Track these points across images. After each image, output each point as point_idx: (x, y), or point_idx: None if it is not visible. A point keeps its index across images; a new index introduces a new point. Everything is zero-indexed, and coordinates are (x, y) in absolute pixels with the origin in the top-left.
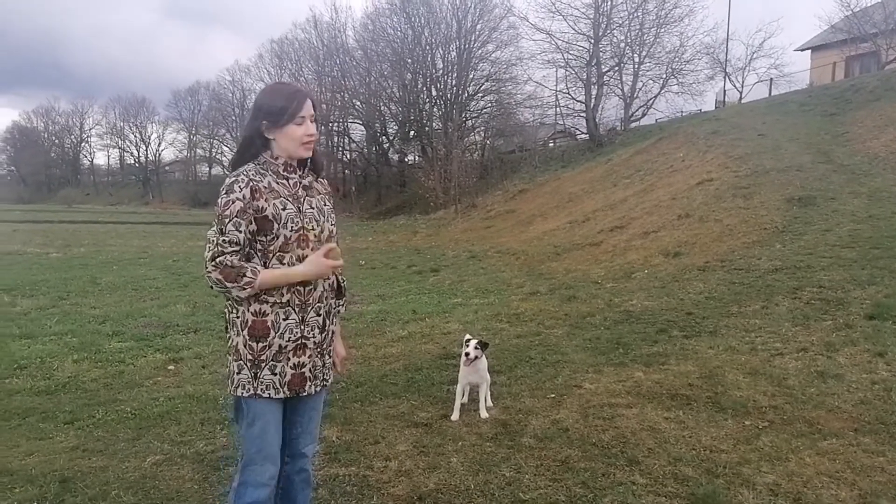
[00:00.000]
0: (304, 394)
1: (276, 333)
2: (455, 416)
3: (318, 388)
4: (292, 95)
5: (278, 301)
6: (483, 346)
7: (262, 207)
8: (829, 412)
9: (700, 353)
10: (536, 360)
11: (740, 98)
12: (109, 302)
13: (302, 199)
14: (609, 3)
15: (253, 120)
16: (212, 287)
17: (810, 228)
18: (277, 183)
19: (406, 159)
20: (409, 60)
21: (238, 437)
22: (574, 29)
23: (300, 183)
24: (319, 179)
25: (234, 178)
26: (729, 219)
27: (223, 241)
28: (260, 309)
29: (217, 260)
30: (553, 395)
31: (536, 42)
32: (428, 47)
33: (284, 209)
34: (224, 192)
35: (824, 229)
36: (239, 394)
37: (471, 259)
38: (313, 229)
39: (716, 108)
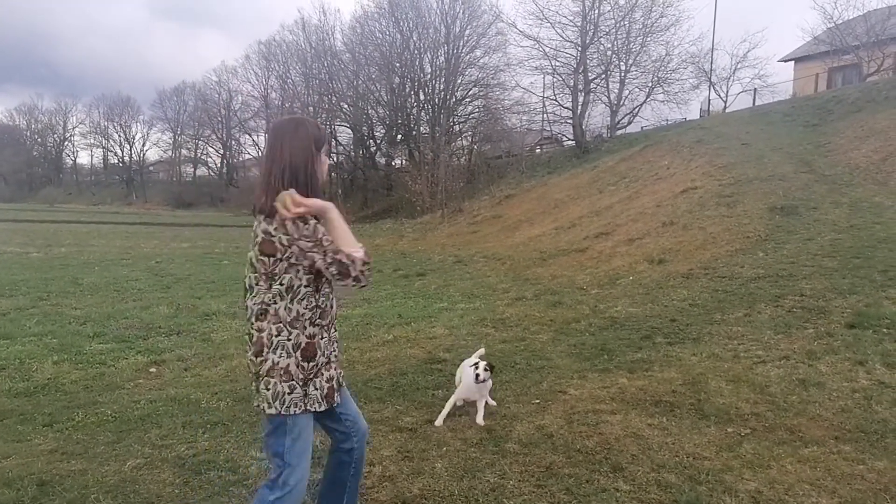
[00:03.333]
0: (335, 404)
1: (320, 352)
2: (440, 422)
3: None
4: (323, 133)
5: (322, 323)
6: (490, 368)
7: None
8: (811, 420)
9: (683, 360)
10: (521, 366)
11: (724, 107)
12: (91, 303)
13: None
14: (596, 11)
15: (307, 151)
16: (365, 287)
17: (792, 237)
18: None
19: (393, 163)
20: (398, 64)
21: (275, 454)
22: (561, 36)
23: None
24: None
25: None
26: (713, 227)
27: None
28: (313, 332)
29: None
30: (538, 401)
31: (524, 48)
32: (416, 52)
33: None
34: (305, 224)
35: (806, 238)
36: (292, 412)
37: (457, 264)
38: None
39: (700, 117)
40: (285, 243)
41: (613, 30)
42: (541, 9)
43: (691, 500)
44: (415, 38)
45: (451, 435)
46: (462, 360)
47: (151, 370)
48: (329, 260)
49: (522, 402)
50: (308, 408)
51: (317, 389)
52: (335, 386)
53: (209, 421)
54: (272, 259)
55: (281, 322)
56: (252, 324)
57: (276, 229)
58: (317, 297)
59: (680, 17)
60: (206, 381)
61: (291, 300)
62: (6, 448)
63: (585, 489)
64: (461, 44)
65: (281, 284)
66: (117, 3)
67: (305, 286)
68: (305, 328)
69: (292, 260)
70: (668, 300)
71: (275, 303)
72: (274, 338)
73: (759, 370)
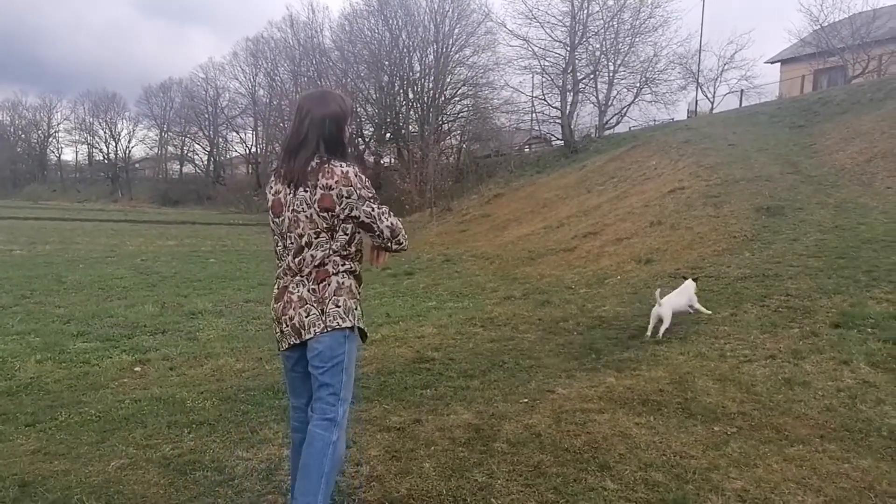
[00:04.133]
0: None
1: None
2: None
3: None
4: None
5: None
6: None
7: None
8: (796, 419)
9: (671, 359)
10: (510, 365)
11: (712, 108)
12: (75, 301)
13: None
14: (585, 11)
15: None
16: (398, 244)
17: (778, 237)
18: None
19: (382, 161)
20: (387, 63)
21: (338, 386)
22: (551, 36)
23: None
24: None
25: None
26: (700, 227)
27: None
28: (360, 267)
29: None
30: (526, 400)
31: (513, 48)
32: (405, 50)
33: None
34: (367, 180)
35: (792, 238)
36: (361, 325)
37: (445, 262)
38: None
39: (688, 117)
40: (345, 194)
41: (602, 30)
42: (530, 8)
43: (678, 499)
44: (404, 37)
45: (439, 434)
46: (450, 360)
47: (136, 369)
48: (386, 215)
49: (510, 402)
50: (361, 326)
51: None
52: None
53: (194, 420)
54: (331, 214)
55: (341, 256)
56: (314, 269)
57: (336, 182)
58: (357, 241)
59: (668, 18)
60: (192, 381)
61: (349, 243)
62: None
63: (573, 488)
64: (450, 42)
65: (345, 234)
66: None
67: (357, 232)
68: (360, 262)
69: (347, 212)
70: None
71: (339, 249)
72: (339, 266)
73: (746, 369)
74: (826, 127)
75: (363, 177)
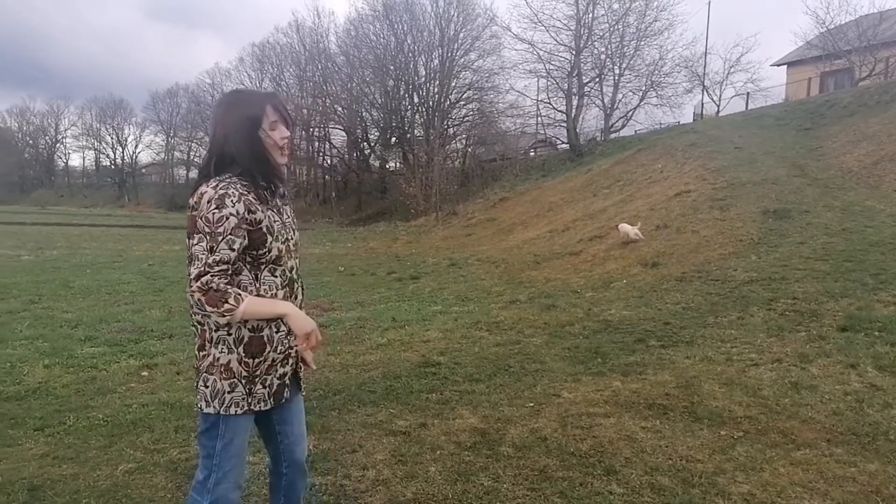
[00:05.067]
0: (283, 400)
1: (270, 348)
2: None
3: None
4: (263, 98)
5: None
6: None
7: (260, 220)
8: (803, 423)
9: (677, 363)
10: (516, 369)
11: (718, 111)
12: (82, 306)
13: (281, 210)
14: (590, 15)
15: (226, 128)
16: (191, 307)
17: (785, 241)
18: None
19: (387, 166)
20: (392, 67)
21: (206, 457)
22: (556, 40)
23: (275, 192)
24: (286, 189)
25: (223, 191)
26: (706, 230)
27: (212, 260)
28: (257, 324)
29: (202, 280)
30: (532, 404)
31: (518, 52)
32: (410, 54)
33: (275, 221)
34: (214, 206)
35: (799, 242)
36: (232, 412)
37: (451, 267)
38: (291, 238)
39: (694, 120)
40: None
41: (607, 34)
42: (535, 12)
43: (684, 503)
44: (409, 41)
45: (445, 438)
46: (456, 364)
47: (143, 374)
48: (198, 255)
49: (516, 406)
50: (251, 408)
51: (265, 388)
52: (287, 383)
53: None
54: (190, 241)
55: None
56: (193, 314)
57: (195, 202)
58: (256, 285)
59: (673, 21)
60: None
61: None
62: None
63: (579, 492)
64: (455, 47)
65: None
66: (110, 5)
67: (239, 274)
68: (246, 321)
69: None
70: (661, 303)
71: None
72: (213, 332)
73: (752, 373)
74: (833, 130)
75: (226, 200)
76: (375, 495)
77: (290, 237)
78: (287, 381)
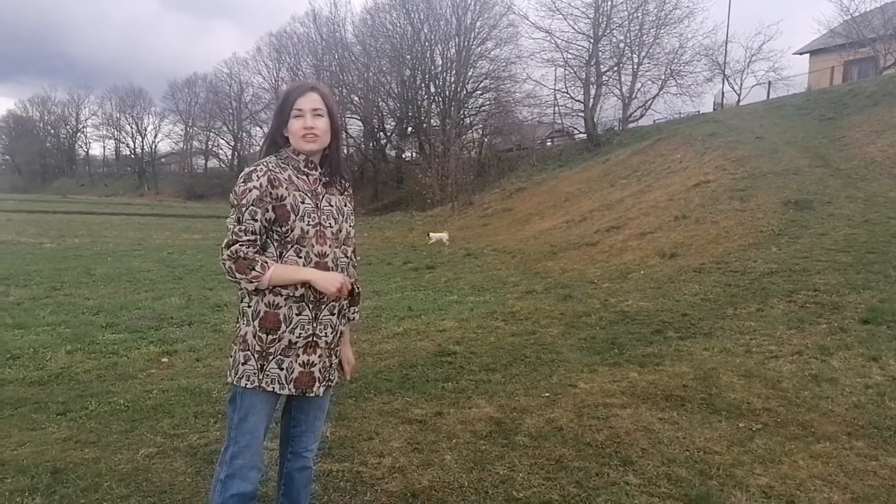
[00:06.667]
0: (312, 394)
1: (287, 328)
2: None
3: (325, 389)
4: (291, 91)
5: (292, 294)
6: None
7: (282, 196)
8: (823, 415)
9: (695, 354)
10: (532, 359)
11: (738, 100)
12: (103, 293)
13: (321, 196)
14: (609, 2)
15: (274, 118)
16: (225, 274)
17: (806, 232)
18: (297, 177)
19: (403, 156)
20: (408, 57)
21: (228, 428)
22: (574, 28)
23: (320, 180)
24: (343, 180)
25: (252, 168)
26: (725, 221)
27: (239, 229)
28: (273, 301)
29: (232, 248)
30: (548, 394)
31: (536, 41)
32: (427, 44)
33: (303, 202)
34: (242, 180)
35: (820, 233)
36: (242, 385)
37: (467, 257)
38: (330, 227)
39: (714, 110)
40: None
41: (626, 22)
42: (553, 0)
43: (702, 495)
44: (426, 30)
45: (461, 427)
46: (472, 354)
47: (163, 360)
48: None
49: (532, 396)
50: (262, 385)
51: (281, 370)
52: (318, 376)
53: (220, 411)
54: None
55: (243, 289)
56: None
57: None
58: (281, 262)
59: (694, 9)
60: (218, 372)
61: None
62: (21, 436)
63: (595, 482)
64: (472, 36)
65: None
66: None
67: (265, 250)
68: (265, 295)
69: None
70: (679, 294)
71: None
72: (241, 303)
73: (772, 365)
74: (856, 119)
75: (252, 175)
76: (392, 482)
77: (326, 224)
78: (317, 374)
